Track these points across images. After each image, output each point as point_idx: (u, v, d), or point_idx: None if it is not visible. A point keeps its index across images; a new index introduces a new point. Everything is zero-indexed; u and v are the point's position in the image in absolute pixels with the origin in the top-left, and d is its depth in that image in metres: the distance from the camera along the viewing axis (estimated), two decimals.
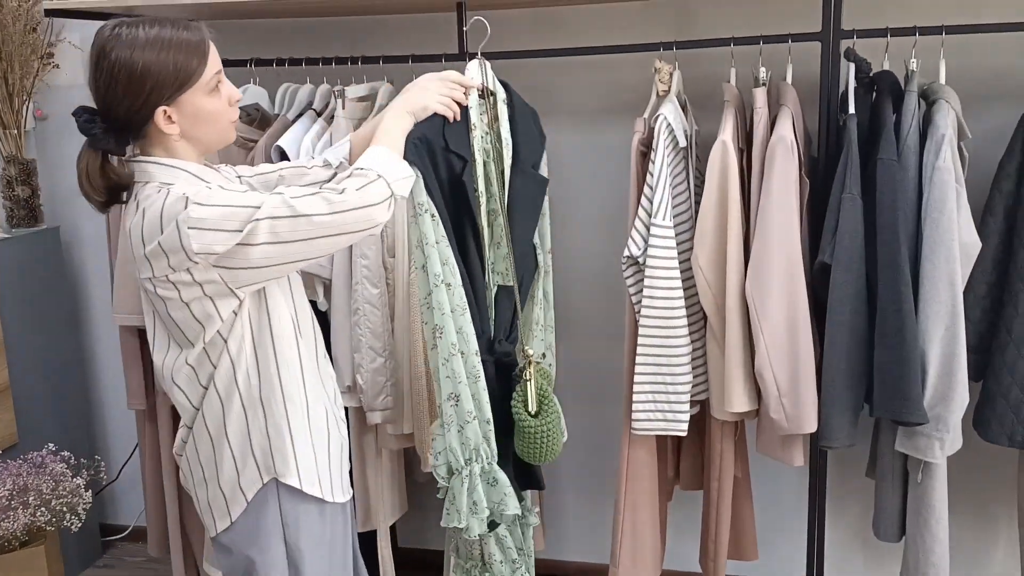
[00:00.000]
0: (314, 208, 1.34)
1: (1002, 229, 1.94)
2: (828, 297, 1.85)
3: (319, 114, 2.19)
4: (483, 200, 1.75)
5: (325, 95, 2.22)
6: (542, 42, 2.22)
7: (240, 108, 2.25)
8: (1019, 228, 1.90)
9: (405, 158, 1.55)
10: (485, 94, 1.75)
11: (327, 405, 1.55)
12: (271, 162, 2.10)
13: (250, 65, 2.25)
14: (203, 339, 1.41)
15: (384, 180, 1.41)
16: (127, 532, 2.99)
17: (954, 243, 1.80)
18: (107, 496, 3.00)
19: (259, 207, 1.33)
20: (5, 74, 2.47)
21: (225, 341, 1.42)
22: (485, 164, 1.75)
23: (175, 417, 2.32)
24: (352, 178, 1.40)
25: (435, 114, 1.66)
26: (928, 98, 1.91)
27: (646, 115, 2.03)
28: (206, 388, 1.45)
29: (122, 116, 1.37)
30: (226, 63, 2.25)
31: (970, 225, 1.84)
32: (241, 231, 1.32)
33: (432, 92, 1.64)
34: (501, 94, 1.81)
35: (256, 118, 2.32)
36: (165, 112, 1.38)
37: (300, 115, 2.18)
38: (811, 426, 1.89)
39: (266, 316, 1.44)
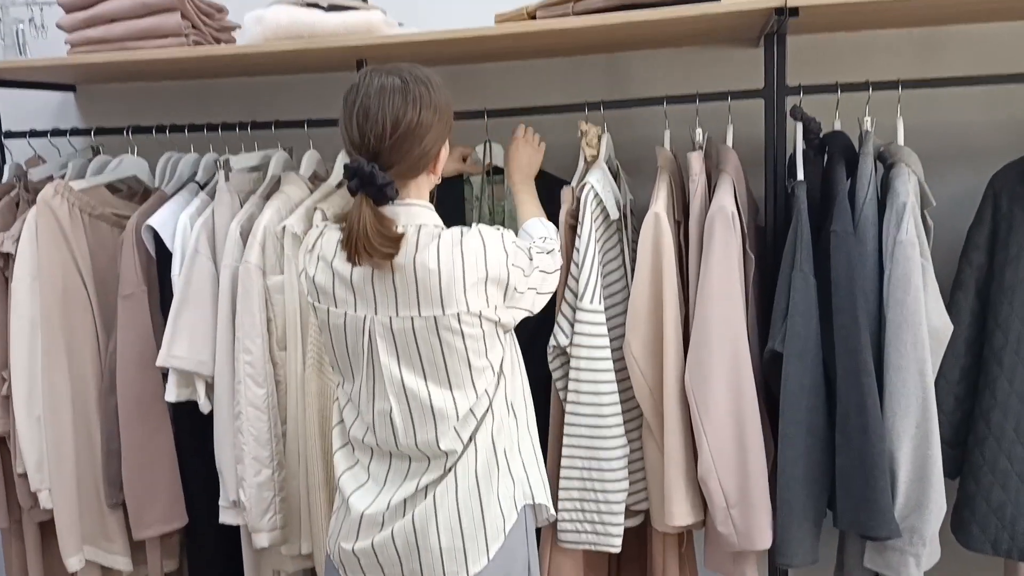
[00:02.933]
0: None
1: (974, 307, 1.71)
2: (780, 391, 1.60)
3: (202, 187, 1.93)
4: None
5: (209, 166, 1.97)
6: (458, 103, 1.99)
7: (120, 182, 2.04)
8: (994, 305, 1.67)
9: None
10: (491, 171, 1.90)
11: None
12: (142, 245, 1.84)
13: (127, 133, 1.99)
14: None
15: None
16: None
17: (922, 326, 1.56)
18: None
19: None
20: None
21: None
22: None
23: (46, 533, 2.02)
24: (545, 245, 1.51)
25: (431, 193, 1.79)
26: (886, 160, 1.70)
27: (573, 184, 1.79)
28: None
29: (409, 163, 1.39)
30: (100, 131, 2.04)
31: (939, 305, 1.60)
32: None
33: (531, 153, 1.77)
34: None
35: (138, 192, 2.06)
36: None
37: (180, 189, 1.92)
38: (765, 542, 1.62)
39: None
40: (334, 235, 1.40)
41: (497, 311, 1.38)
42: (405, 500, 1.39)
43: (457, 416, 1.38)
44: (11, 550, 2.09)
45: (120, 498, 1.87)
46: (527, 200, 1.70)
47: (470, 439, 1.39)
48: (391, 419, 1.38)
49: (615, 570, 1.92)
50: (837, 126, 1.77)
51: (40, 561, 2.02)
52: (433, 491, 1.39)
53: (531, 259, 1.45)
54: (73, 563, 1.85)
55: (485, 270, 1.35)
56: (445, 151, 1.43)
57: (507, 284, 1.38)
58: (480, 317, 1.35)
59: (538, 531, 1.88)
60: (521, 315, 1.45)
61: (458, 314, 1.34)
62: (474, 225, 1.40)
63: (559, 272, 1.54)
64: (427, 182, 1.43)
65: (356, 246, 1.31)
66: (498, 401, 1.42)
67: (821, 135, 1.76)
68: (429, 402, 1.37)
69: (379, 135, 1.32)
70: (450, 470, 1.39)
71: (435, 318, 1.34)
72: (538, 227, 1.61)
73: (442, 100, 1.39)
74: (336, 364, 1.45)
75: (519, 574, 1.45)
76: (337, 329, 1.40)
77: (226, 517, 1.81)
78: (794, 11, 1.54)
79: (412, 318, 1.34)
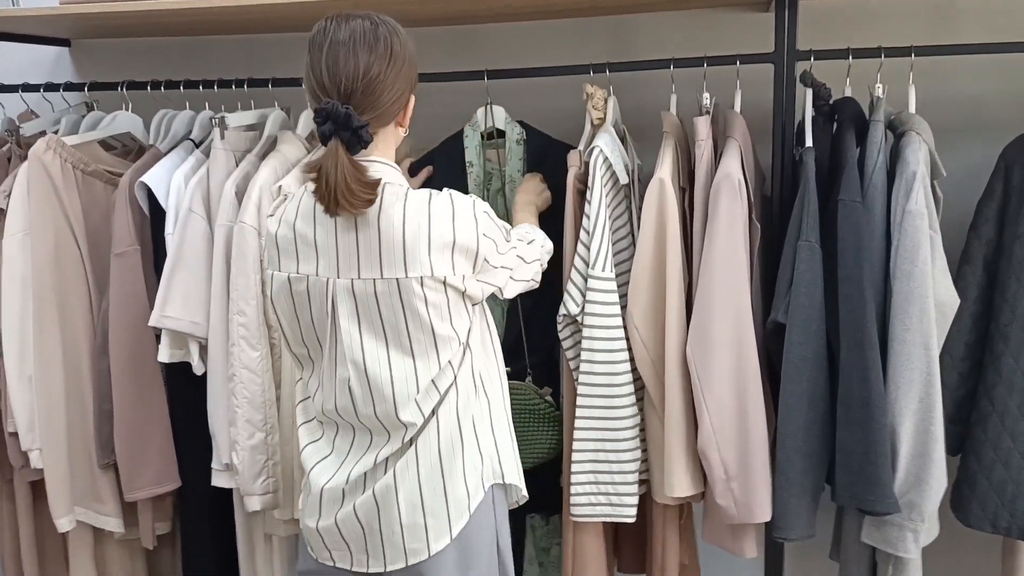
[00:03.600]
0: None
1: (982, 282, 1.68)
2: (782, 363, 1.58)
3: (197, 145, 1.89)
4: None
5: (204, 124, 1.92)
6: (459, 64, 1.94)
7: (114, 139, 2.00)
8: (1001, 280, 1.64)
9: None
10: (494, 134, 1.86)
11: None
12: (135, 202, 1.80)
13: (122, 88, 1.95)
14: None
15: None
16: None
17: (929, 300, 1.53)
18: None
19: None
20: None
21: None
22: (488, 199, 1.88)
23: (37, 494, 2.00)
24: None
25: (431, 155, 1.89)
26: (896, 129, 1.66)
27: (581, 147, 1.76)
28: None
29: (382, 108, 1.35)
30: (95, 86, 2.00)
31: (947, 279, 1.57)
32: None
33: (541, 188, 1.75)
34: (515, 134, 1.84)
35: (133, 149, 2.02)
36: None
37: (175, 146, 1.88)
38: (764, 515, 1.61)
39: None
40: (297, 198, 1.37)
41: (465, 281, 1.34)
42: (365, 474, 1.36)
43: (418, 388, 1.34)
44: (2, 510, 2.07)
45: (112, 459, 1.85)
46: (525, 217, 1.66)
47: (432, 413, 1.36)
48: (350, 388, 1.34)
49: (615, 535, 1.91)
50: (848, 93, 1.73)
51: (31, 522, 2.00)
52: (393, 465, 1.36)
53: (508, 239, 1.42)
54: (64, 524, 1.83)
55: (453, 235, 1.31)
56: (412, 103, 1.40)
57: (476, 254, 1.34)
58: (445, 284, 1.31)
59: (551, 502, 1.89)
60: (490, 290, 1.41)
61: (421, 278, 1.29)
62: (446, 189, 1.36)
63: (539, 269, 1.51)
64: (394, 136, 1.39)
65: (334, 195, 1.26)
66: (464, 375, 1.38)
67: (831, 102, 1.71)
68: (389, 371, 1.33)
69: (351, 77, 1.28)
70: (410, 444, 1.35)
71: (398, 281, 1.30)
72: (526, 227, 1.57)
73: (410, 49, 1.37)
74: (299, 339, 1.40)
75: (485, 554, 1.41)
76: (300, 296, 1.36)
77: (218, 480, 1.80)
78: None
79: (375, 280, 1.30)
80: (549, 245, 1.58)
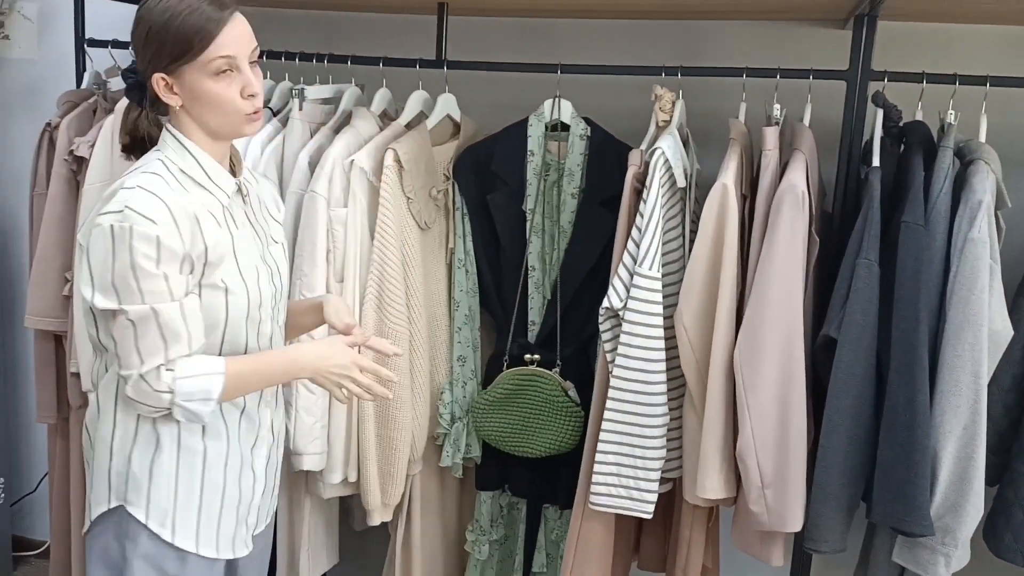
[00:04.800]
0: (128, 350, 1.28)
1: None
2: (830, 377, 1.59)
3: (275, 114, 1.95)
4: (535, 219, 1.89)
5: (284, 94, 1.98)
6: (528, 56, 1.98)
7: None
8: None
9: (456, 168, 1.91)
10: (558, 127, 1.88)
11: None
12: None
13: None
14: None
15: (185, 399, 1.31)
16: (42, 549, 2.73)
17: (983, 328, 1.54)
18: (24, 509, 2.75)
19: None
20: None
21: None
22: (544, 189, 1.88)
23: None
24: (184, 379, 1.30)
25: (494, 139, 1.91)
26: (964, 157, 1.66)
27: (643, 147, 1.78)
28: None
29: (138, 72, 1.34)
30: None
31: (1002, 309, 1.58)
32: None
33: (340, 375, 1.43)
34: (579, 129, 1.87)
35: None
36: (164, 81, 1.30)
37: None
38: (796, 524, 1.63)
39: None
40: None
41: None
42: None
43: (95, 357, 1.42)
44: (55, 447, 2.16)
45: None
46: (276, 360, 1.42)
47: (95, 387, 1.42)
48: None
49: (638, 531, 1.94)
50: (919, 116, 1.73)
51: (81, 462, 2.08)
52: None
53: (114, 283, 1.25)
54: None
55: (87, 240, 1.27)
56: (163, 88, 1.30)
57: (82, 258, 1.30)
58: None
59: (569, 496, 1.92)
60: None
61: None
62: (137, 190, 1.27)
63: (121, 328, 1.28)
64: (186, 116, 1.33)
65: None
66: (101, 386, 1.41)
67: (900, 124, 1.72)
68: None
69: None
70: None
71: None
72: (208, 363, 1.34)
73: (156, 21, 1.26)
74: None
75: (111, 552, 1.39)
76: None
77: None
78: None
79: None
80: (137, 365, 1.29)
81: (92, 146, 1.89)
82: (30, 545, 2.76)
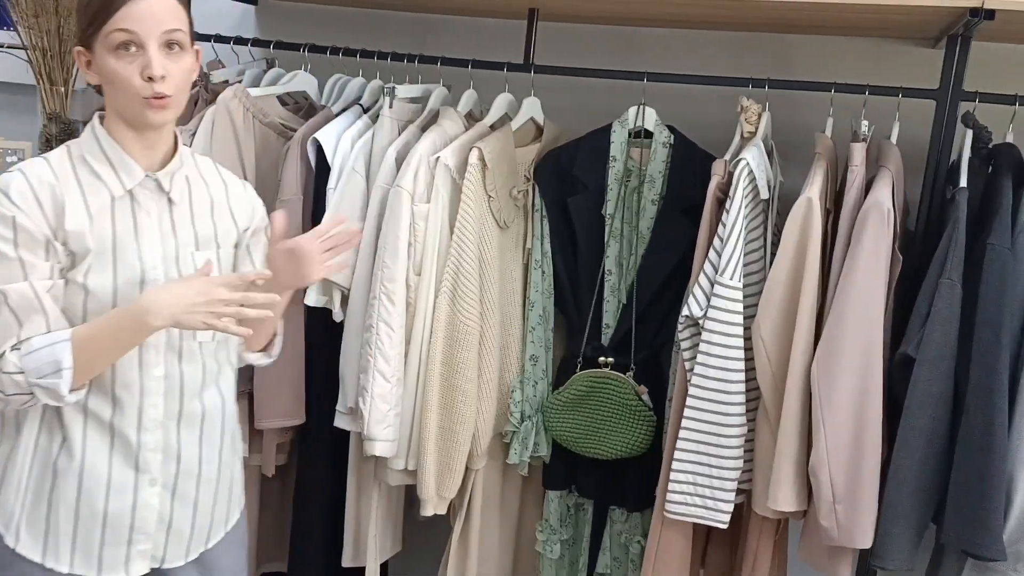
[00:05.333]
0: None
1: None
2: (906, 396, 1.59)
3: (365, 111, 2.01)
4: (614, 224, 1.91)
5: (375, 91, 2.05)
6: (613, 63, 2.01)
7: (288, 95, 2.14)
8: None
9: (537, 170, 1.92)
10: (642, 134, 1.91)
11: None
12: (305, 156, 1.93)
13: (304, 50, 2.09)
14: None
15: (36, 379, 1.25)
16: None
17: None
18: None
19: None
20: (59, 29, 2.36)
21: None
22: (624, 195, 1.90)
23: None
24: (29, 355, 1.24)
25: (577, 143, 1.93)
26: None
27: (727, 157, 1.80)
28: None
29: None
30: (279, 45, 2.14)
31: None
32: None
33: (199, 313, 1.28)
34: (662, 137, 1.89)
35: (303, 107, 2.16)
36: (83, 55, 1.29)
37: (345, 109, 2.01)
38: (865, 541, 1.62)
39: None
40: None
41: None
42: None
43: None
44: None
45: (247, 388, 1.99)
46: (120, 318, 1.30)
47: None
48: None
49: (705, 540, 1.95)
50: (1009, 139, 1.72)
51: None
52: None
53: None
54: None
55: None
56: (83, 63, 1.30)
57: None
58: None
59: (636, 499, 1.94)
60: None
61: None
62: (16, 172, 1.27)
63: None
64: (107, 102, 1.31)
65: None
66: None
67: (990, 145, 1.71)
68: None
69: None
70: None
71: None
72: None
73: None
74: None
75: None
76: None
77: (341, 422, 1.91)
78: (990, 13, 1.50)
79: None
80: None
81: (193, 135, 1.97)
82: None
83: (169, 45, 1.28)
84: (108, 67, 1.26)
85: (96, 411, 1.34)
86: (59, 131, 2.47)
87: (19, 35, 2.40)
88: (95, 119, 1.33)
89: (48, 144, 2.48)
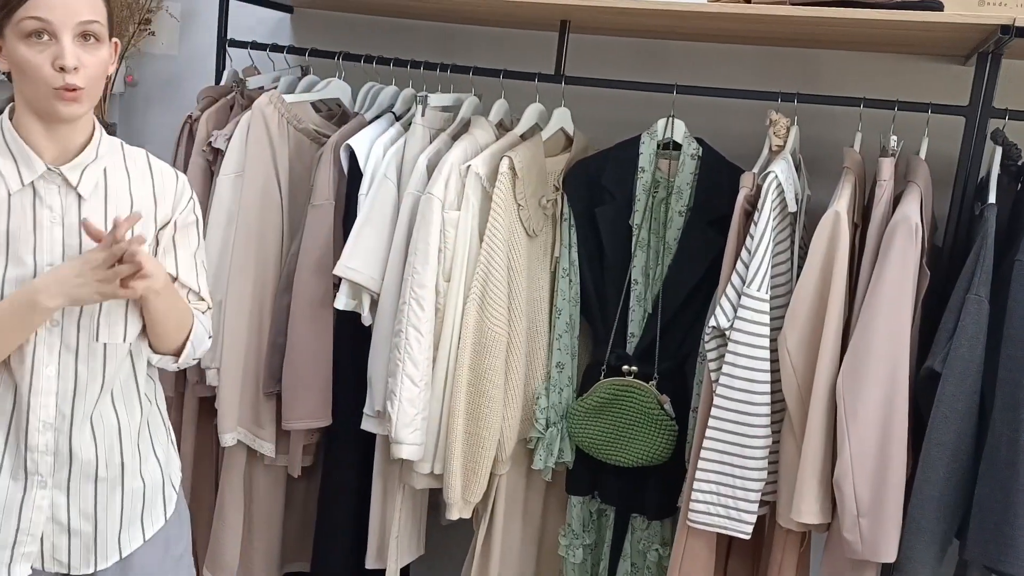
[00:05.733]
0: None
1: None
2: (932, 411, 1.59)
3: (398, 118, 2.05)
4: (641, 234, 1.93)
5: (407, 100, 2.08)
6: (645, 76, 2.04)
7: (321, 102, 2.18)
8: None
9: (566, 180, 1.95)
10: (670, 145, 1.93)
11: None
12: (338, 162, 1.97)
13: (338, 58, 2.13)
14: None
15: None
16: None
17: None
18: None
19: None
20: None
21: None
22: (652, 205, 1.92)
23: (203, 409, 2.21)
24: None
25: (606, 154, 1.95)
26: None
27: (755, 170, 1.82)
28: None
29: None
30: (314, 52, 2.19)
31: None
32: None
33: (88, 283, 1.26)
34: (691, 149, 1.91)
35: (336, 114, 2.20)
36: None
37: (378, 116, 2.05)
38: (889, 555, 1.62)
39: None
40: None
41: None
42: None
43: None
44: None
45: (275, 389, 2.03)
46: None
47: None
48: None
49: (726, 552, 1.95)
50: None
51: (193, 435, 2.21)
52: None
53: None
54: (227, 439, 2.02)
55: None
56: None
57: None
58: None
59: (657, 507, 1.95)
60: None
61: None
62: None
63: None
64: (16, 92, 1.27)
65: None
66: None
67: (1020, 163, 1.71)
68: None
69: None
70: None
71: None
72: None
73: None
74: None
75: None
76: None
77: (368, 425, 1.94)
78: (1021, 31, 1.51)
79: None
80: None
81: (228, 139, 2.02)
82: None
83: (85, 36, 1.24)
84: (18, 55, 1.22)
85: None
86: None
87: None
88: (5, 112, 1.29)
89: None
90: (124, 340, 1.38)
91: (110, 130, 2.55)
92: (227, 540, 2.13)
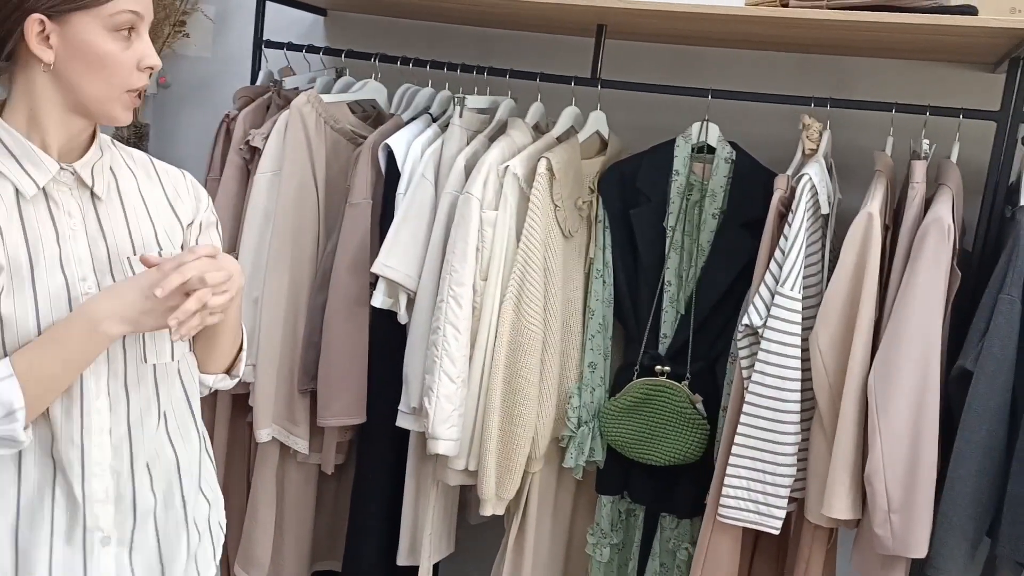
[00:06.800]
0: None
1: None
2: (963, 409, 1.62)
3: (434, 120, 2.08)
4: (675, 236, 1.97)
5: (444, 101, 2.12)
6: (678, 81, 2.08)
7: (357, 103, 2.22)
8: None
9: (601, 182, 1.98)
10: (704, 149, 1.96)
11: None
12: (376, 162, 2.00)
13: (374, 60, 2.17)
14: None
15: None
16: None
17: None
18: None
19: None
20: None
21: None
22: (686, 208, 1.96)
23: (236, 406, 2.23)
24: None
25: (641, 157, 1.98)
26: None
27: (789, 172, 1.85)
28: None
29: None
30: (351, 54, 2.22)
31: None
32: None
33: (157, 312, 1.09)
34: (725, 153, 1.95)
35: (372, 115, 2.24)
36: (42, 25, 1.05)
37: (415, 118, 2.08)
38: (920, 551, 1.65)
39: None
40: None
41: None
42: None
43: None
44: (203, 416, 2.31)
45: (310, 386, 2.05)
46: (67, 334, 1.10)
47: None
48: None
49: (752, 551, 1.98)
50: None
51: (226, 431, 2.23)
52: None
53: None
54: (263, 435, 2.04)
55: None
56: (37, 35, 1.06)
57: None
58: None
59: (687, 506, 1.98)
60: None
61: None
62: None
63: None
64: (39, 85, 1.09)
65: None
66: None
67: None
68: None
69: None
70: None
71: None
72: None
73: None
74: None
75: None
76: None
77: (403, 421, 1.97)
78: None
79: None
80: None
81: (266, 138, 2.05)
82: None
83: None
84: (97, 47, 1.07)
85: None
86: (131, 133, 2.56)
87: None
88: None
89: None
90: (172, 358, 1.23)
91: (144, 131, 2.59)
92: (259, 537, 2.16)
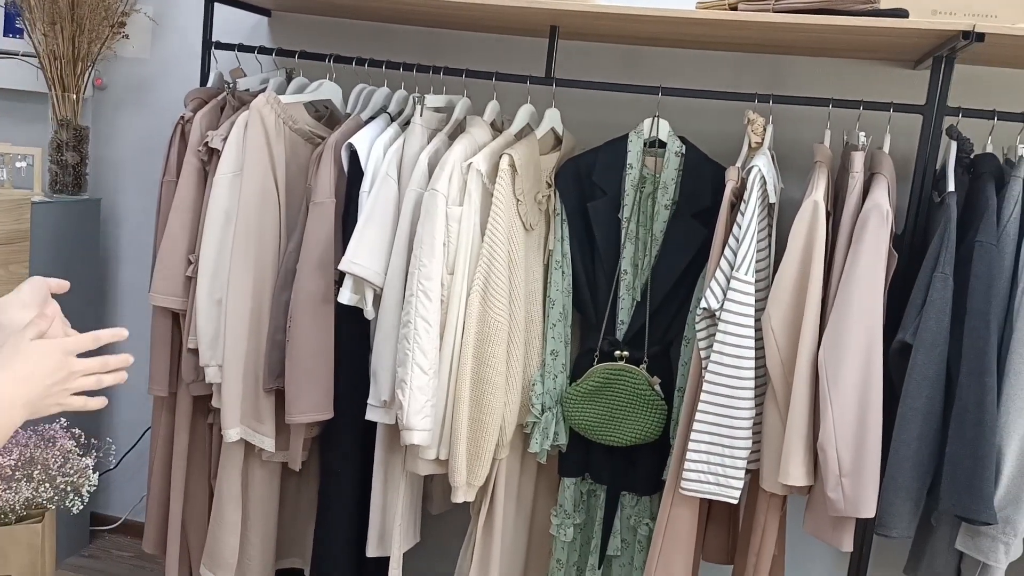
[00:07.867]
0: None
1: None
2: (904, 379, 1.76)
3: (393, 119, 2.12)
4: (630, 227, 2.06)
5: (401, 100, 2.15)
6: (625, 79, 2.17)
7: (311, 104, 2.23)
8: None
9: (558, 176, 2.03)
10: (656, 144, 2.06)
11: None
12: (339, 161, 2.03)
13: (329, 61, 2.19)
14: None
15: None
16: (116, 525, 2.85)
17: None
18: (102, 485, 2.87)
19: None
20: (74, 36, 2.41)
21: None
22: (639, 200, 2.05)
23: (196, 408, 2.22)
24: None
25: (596, 152, 2.06)
26: None
27: (738, 164, 1.97)
28: None
29: None
30: (304, 55, 2.23)
31: None
32: None
33: (59, 387, 0.99)
34: (675, 147, 2.05)
35: (324, 115, 2.25)
36: None
37: (374, 117, 2.11)
38: (869, 510, 1.78)
39: None
40: None
41: None
42: None
43: None
44: (159, 420, 2.29)
45: (276, 384, 2.06)
46: None
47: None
48: None
49: (704, 527, 2.09)
50: (988, 150, 1.92)
51: (187, 433, 2.22)
52: None
53: None
54: (232, 434, 2.04)
55: None
56: None
57: None
58: None
59: (646, 484, 2.08)
60: None
61: None
62: None
63: None
64: None
65: None
66: None
67: (971, 156, 1.91)
68: None
69: None
70: None
71: None
72: None
73: None
74: None
75: None
76: None
77: (373, 415, 2.00)
78: (980, 36, 1.69)
79: None
80: None
81: (224, 139, 2.05)
82: (104, 521, 2.87)
83: None
84: None
85: None
86: (70, 136, 2.50)
87: (32, 42, 2.44)
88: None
89: (59, 150, 2.51)
90: None
91: (84, 134, 2.54)
92: (226, 538, 2.16)
